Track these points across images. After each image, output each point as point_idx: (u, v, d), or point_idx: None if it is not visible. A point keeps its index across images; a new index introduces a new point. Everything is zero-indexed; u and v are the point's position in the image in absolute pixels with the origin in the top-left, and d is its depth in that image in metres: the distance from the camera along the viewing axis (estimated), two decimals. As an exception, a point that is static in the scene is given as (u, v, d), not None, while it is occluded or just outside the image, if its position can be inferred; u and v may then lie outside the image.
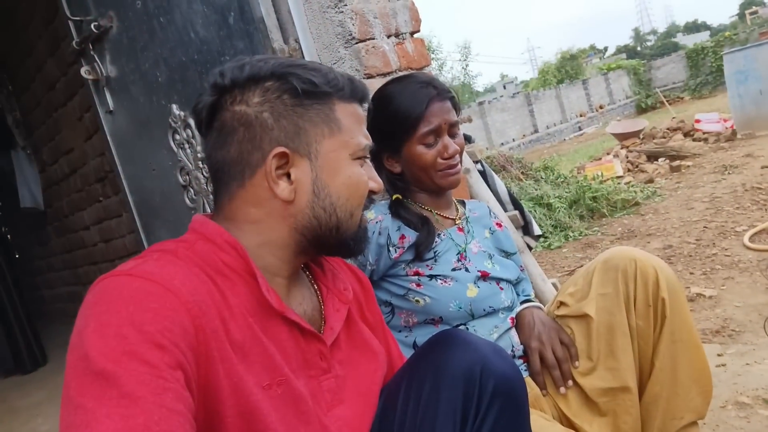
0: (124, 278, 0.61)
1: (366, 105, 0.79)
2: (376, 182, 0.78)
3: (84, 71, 1.99)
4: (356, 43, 1.34)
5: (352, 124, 0.75)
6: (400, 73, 1.39)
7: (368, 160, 0.78)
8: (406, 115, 1.11)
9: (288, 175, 0.71)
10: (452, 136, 1.15)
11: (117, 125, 2.04)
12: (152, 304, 0.58)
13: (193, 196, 1.77)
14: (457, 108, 1.17)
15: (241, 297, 0.67)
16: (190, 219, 1.96)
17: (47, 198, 3.84)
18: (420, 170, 1.14)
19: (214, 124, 0.74)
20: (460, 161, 1.17)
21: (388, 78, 1.29)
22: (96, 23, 1.88)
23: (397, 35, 1.42)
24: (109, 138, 2.09)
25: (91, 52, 1.97)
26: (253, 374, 0.65)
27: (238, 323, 0.65)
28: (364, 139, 0.77)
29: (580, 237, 3.98)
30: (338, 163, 0.73)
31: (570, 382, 1.09)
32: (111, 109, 2.01)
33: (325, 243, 0.75)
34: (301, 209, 0.72)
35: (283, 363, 0.68)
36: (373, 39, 1.36)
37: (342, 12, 1.32)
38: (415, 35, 1.48)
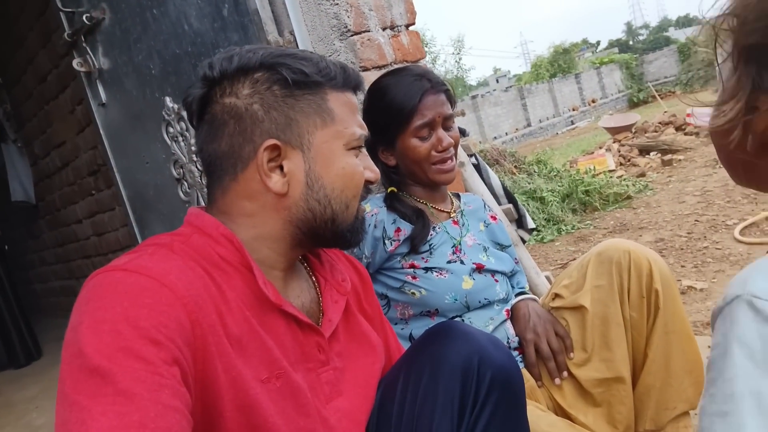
0: (119, 273, 0.60)
1: (360, 94, 0.77)
2: (372, 172, 0.76)
3: (76, 63, 1.97)
4: (351, 35, 1.33)
5: (346, 113, 0.74)
6: (396, 66, 1.38)
7: (364, 150, 0.77)
8: (400, 108, 1.11)
9: (281, 168, 0.70)
10: (447, 129, 1.14)
11: (110, 118, 2.02)
12: (147, 299, 0.58)
13: (187, 189, 1.76)
14: (452, 101, 1.16)
15: (238, 290, 0.67)
16: (184, 212, 1.94)
17: (39, 191, 3.81)
18: (414, 163, 1.14)
19: (205, 116, 0.73)
20: (455, 155, 1.17)
21: (384, 71, 1.29)
22: (88, 15, 1.86)
23: (392, 28, 1.41)
24: (101, 131, 2.08)
25: (84, 44, 1.95)
26: (251, 368, 0.64)
27: (235, 317, 0.65)
28: (359, 129, 0.75)
29: (573, 230, 4.00)
30: (332, 154, 0.72)
31: (565, 374, 1.10)
32: (104, 101, 1.99)
33: (321, 235, 0.74)
34: (295, 202, 0.71)
35: (281, 356, 0.67)
36: (369, 31, 1.35)
37: (337, 4, 1.31)
38: (411, 28, 1.47)
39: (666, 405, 1.08)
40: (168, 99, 1.69)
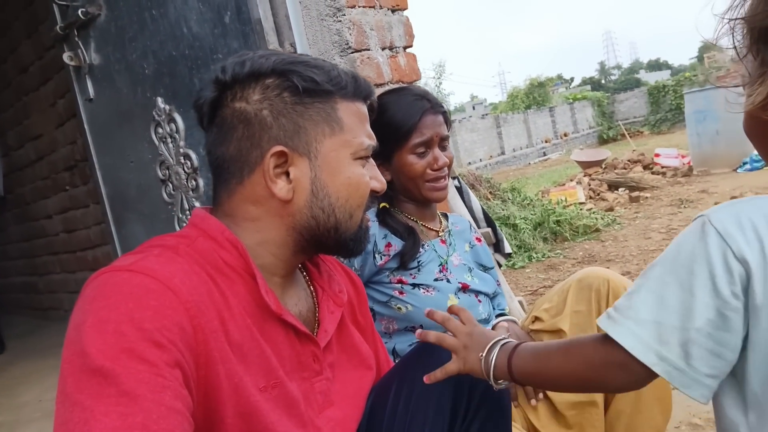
0: (125, 274, 0.59)
1: (371, 103, 0.77)
2: (378, 182, 0.76)
3: (66, 57, 1.94)
4: (352, 52, 1.35)
5: (355, 123, 0.73)
6: (392, 86, 1.41)
7: (371, 159, 0.76)
8: (399, 125, 1.13)
9: (287, 174, 0.70)
10: (442, 149, 1.17)
11: (96, 114, 1.99)
12: (152, 301, 0.57)
13: (172, 191, 1.74)
14: (448, 123, 1.20)
15: (240, 297, 0.67)
16: (166, 213, 1.90)
17: (8, 183, 3.68)
18: (409, 180, 1.16)
19: (215, 119, 0.73)
20: (448, 175, 1.20)
21: (381, 90, 1.31)
22: (84, 10, 1.84)
23: (391, 48, 1.45)
24: (86, 126, 2.04)
25: (76, 38, 1.92)
26: (250, 375, 0.64)
27: (237, 323, 0.65)
28: (367, 139, 0.74)
29: (543, 259, 4.08)
30: (339, 163, 0.72)
31: (540, 395, 1.12)
32: (91, 97, 1.96)
33: (324, 243, 0.74)
34: (300, 209, 0.71)
35: (278, 365, 0.67)
36: (369, 50, 1.38)
37: (340, 21, 1.34)
38: (408, 50, 1.51)
39: (635, 430, 1.11)
40: (160, 99, 1.68)
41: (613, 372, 0.60)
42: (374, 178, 0.76)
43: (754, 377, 0.54)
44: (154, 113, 1.70)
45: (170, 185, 1.73)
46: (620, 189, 6.33)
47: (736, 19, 0.58)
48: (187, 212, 1.66)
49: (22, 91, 3.16)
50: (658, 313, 0.56)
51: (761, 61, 0.57)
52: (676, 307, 0.55)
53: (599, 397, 1.11)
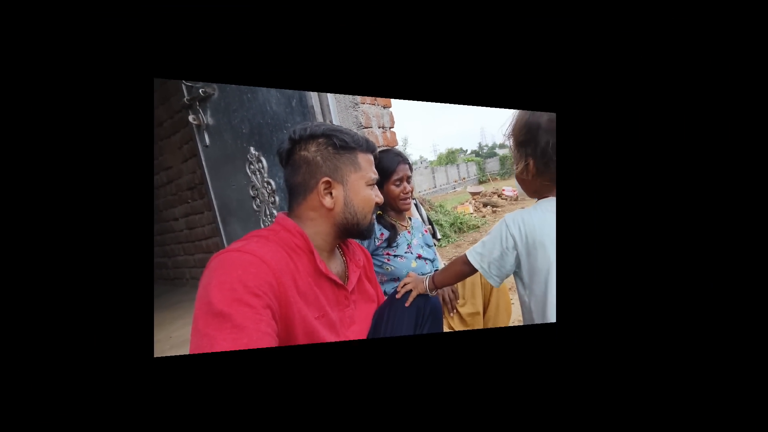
0: (235, 253, 0.60)
1: (374, 155, 0.80)
2: (379, 198, 0.79)
3: (191, 118, 1.86)
4: (363, 128, 1.38)
5: (367, 165, 0.75)
6: (382, 148, 1.45)
7: (375, 186, 0.79)
8: (386, 169, 1.16)
9: (330, 194, 0.72)
10: (408, 183, 1.22)
11: (210, 155, 1.92)
12: (253, 269, 0.58)
13: (258, 204, 1.70)
14: (411, 168, 1.24)
15: (304, 264, 0.68)
16: (255, 218, 1.83)
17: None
18: (391, 200, 1.19)
19: (289, 161, 0.74)
20: (411, 196, 1.24)
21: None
22: (203, 90, 1.78)
23: (382, 127, 1.48)
24: (203, 162, 1.96)
25: (197, 107, 1.86)
26: (310, 310, 0.65)
27: (303, 280, 0.66)
28: (373, 174, 0.77)
29: (454, 242, 4.22)
30: (359, 188, 0.74)
31: (455, 310, 1.18)
32: (207, 144, 1.89)
33: (351, 232, 0.76)
34: (337, 213, 0.73)
35: (325, 303, 0.69)
36: (371, 127, 1.41)
37: (357, 110, 1.36)
38: (391, 129, 1.54)
39: (497, 324, 1.18)
40: (252, 148, 1.64)
41: (465, 267, 0.81)
42: (377, 196, 0.79)
43: (525, 276, 0.75)
44: (248, 156, 1.67)
45: (257, 200, 1.70)
46: (488, 206, 6.63)
47: (507, 133, 0.77)
48: (269, 217, 1.64)
49: (158, 138, 3.01)
50: (483, 249, 0.78)
51: (519, 154, 0.76)
52: (489, 248, 0.77)
53: (481, 309, 1.17)
